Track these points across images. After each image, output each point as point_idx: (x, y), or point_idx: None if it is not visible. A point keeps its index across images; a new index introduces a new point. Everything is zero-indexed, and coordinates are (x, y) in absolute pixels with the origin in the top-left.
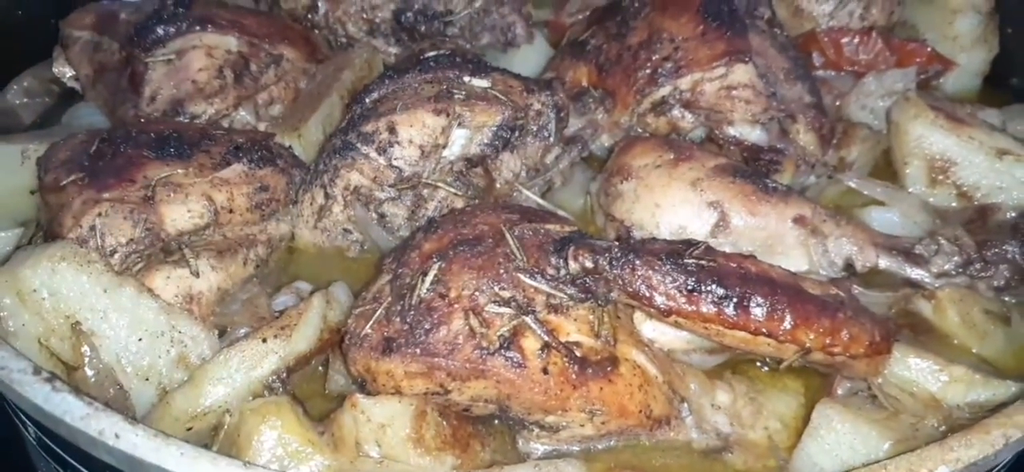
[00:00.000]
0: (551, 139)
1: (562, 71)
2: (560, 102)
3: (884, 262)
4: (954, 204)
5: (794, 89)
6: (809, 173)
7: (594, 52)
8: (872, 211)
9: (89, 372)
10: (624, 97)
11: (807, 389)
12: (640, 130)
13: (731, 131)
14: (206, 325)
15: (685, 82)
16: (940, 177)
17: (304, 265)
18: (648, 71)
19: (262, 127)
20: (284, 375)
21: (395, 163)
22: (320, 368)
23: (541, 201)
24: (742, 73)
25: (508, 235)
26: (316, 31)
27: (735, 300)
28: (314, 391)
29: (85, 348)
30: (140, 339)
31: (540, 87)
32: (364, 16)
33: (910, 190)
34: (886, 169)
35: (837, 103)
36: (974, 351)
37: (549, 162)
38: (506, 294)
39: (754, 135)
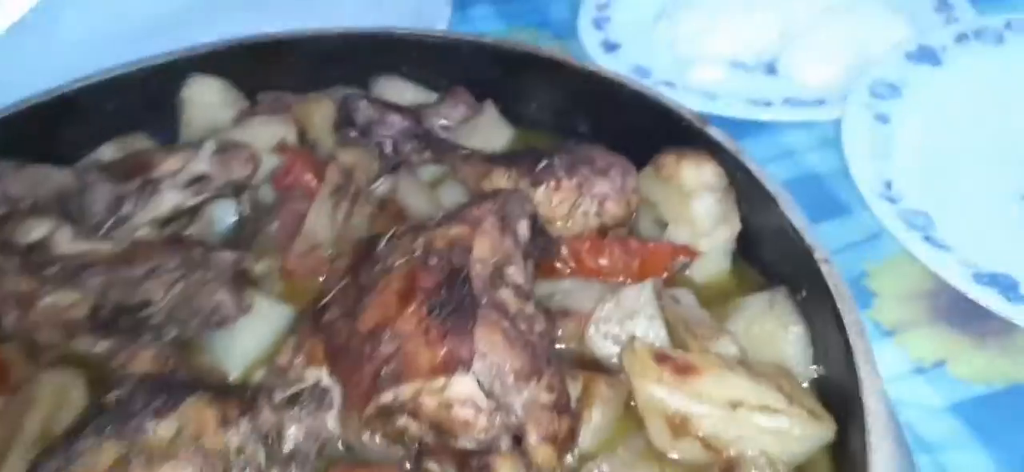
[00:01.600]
0: None
1: (302, 342)
2: (266, 425)
3: None
4: (702, 456)
5: (528, 390)
6: None
7: (328, 329)
8: None
9: None
10: (353, 396)
11: None
12: (370, 439)
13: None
14: None
15: (406, 391)
16: (681, 431)
17: None
18: (372, 369)
19: None
20: None
21: None
22: None
23: None
24: (462, 386)
25: None
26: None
27: None
28: None
29: None
30: None
31: (240, 408)
32: (59, 317)
33: (656, 444)
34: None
35: (581, 331)
36: None
37: None
38: None
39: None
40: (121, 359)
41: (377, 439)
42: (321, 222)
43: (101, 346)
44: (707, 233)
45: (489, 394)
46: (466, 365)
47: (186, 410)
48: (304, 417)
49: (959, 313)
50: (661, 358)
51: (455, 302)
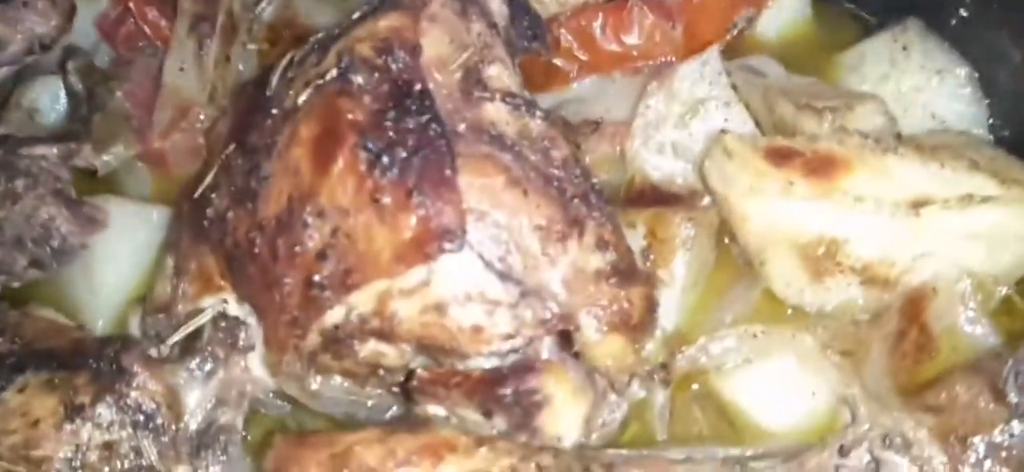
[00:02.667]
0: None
1: (184, 258)
2: (144, 399)
3: None
4: (861, 299)
5: (566, 255)
6: (621, 401)
7: (217, 225)
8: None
9: None
10: (278, 325)
11: None
12: (323, 384)
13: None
14: None
15: (361, 299)
16: (827, 266)
17: None
18: (299, 278)
19: None
20: None
21: None
22: None
23: None
24: (456, 272)
25: None
26: None
27: None
28: None
29: None
30: None
31: (95, 386)
32: None
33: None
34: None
35: (618, 149)
36: None
37: None
38: None
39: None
40: None
41: (335, 382)
42: (185, 76)
43: None
44: None
45: (504, 274)
46: (454, 235)
47: (9, 405)
48: (208, 372)
49: None
50: (781, 155)
51: (414, 137)
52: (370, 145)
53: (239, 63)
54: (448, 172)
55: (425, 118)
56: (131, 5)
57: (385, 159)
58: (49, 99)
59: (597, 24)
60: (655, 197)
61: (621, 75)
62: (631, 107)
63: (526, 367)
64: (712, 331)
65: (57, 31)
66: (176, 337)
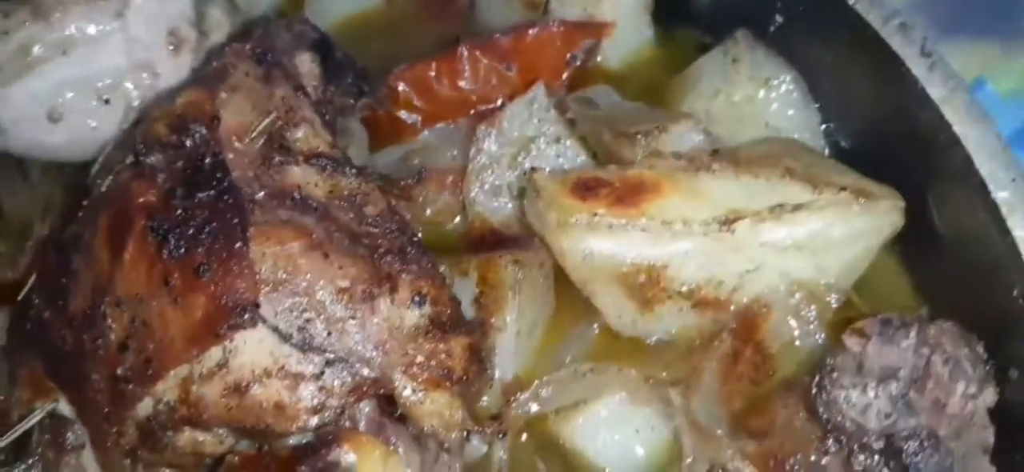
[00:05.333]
0: None
1: (16, 367)
2: None
3: None
4: (696, 324)
5: (377, 314)
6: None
7: (37, 328)
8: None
9: None
10: (96, 425)
11: None
12: None
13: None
14: None
15: (165, 388)
16: (653, 294)
17: None
18: (106, 372)
19: None
20: None
21: None
22: None
23: None
24: (253, 351)
25: None
26: None
27: None
28: None
29: None
30: None
31: None
32: None
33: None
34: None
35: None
36: None
37: None
38: None
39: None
40: None
41: None
42: (16, 198)
43: None
44: None
45: (304, 345)
46: (245, 310)
47: None
48: None
49: None
50: (586, 187)
51: (205, 211)
52: (158, 225)
53: None
54: (238, 244)
55: (216, 190)
56: None
57: (173, 238)
58: None
59: (431, 73)
60: (495, 241)
61: (466, 121)
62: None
63: (326, 441)
64: (546, 373)
65: None
66: (5, 440)
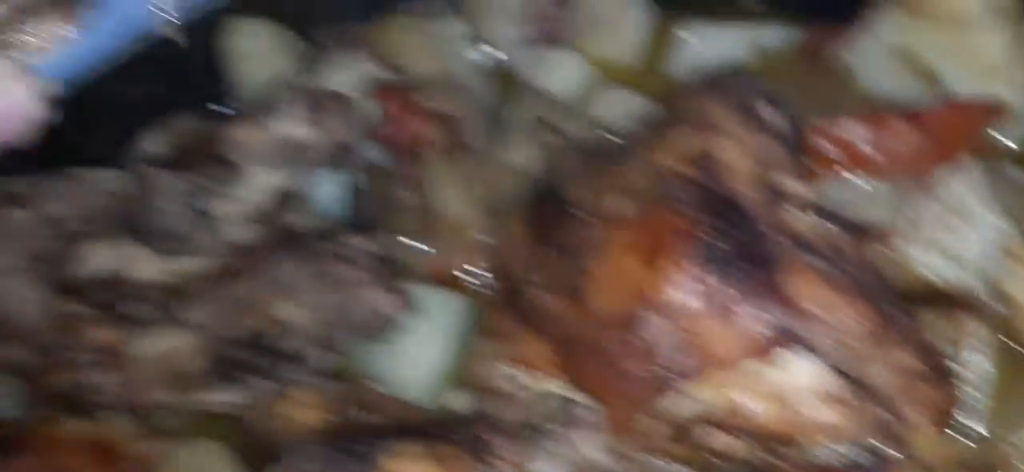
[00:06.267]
0: None
1: (512, 344)
2: None
3: None
4: None
5: (886, 355)
6: None
7: (541, 319)
8: None
9: None
10: (615, 407)
11: None
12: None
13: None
14: None
15: (703, 391)
16: None
17: None
18: (637, 367)
19: None
20: None
21: None
22: None
23: None
24: (803, 370)
25: None
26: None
27: None
28: None
29: None
30: None
31: (470, 458)
32: (164, 370)
33: None
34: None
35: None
36: None
37: None
38: None
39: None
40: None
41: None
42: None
43: (229, 396)
44: (1003, 72)
45: (843, 374)
46: (796, 337)
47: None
48: (561, 453)
49: None
50: None
51: (735, 244)
52: (706, 251)
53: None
54: (773, 277)
55: (742, 227)
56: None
57: (715, 263)
58: (327, 192)
59: (856, 131)
60: (930, 297)
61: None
62: (889, 211)
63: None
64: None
65: (352, 139)
66: (525, 419)
